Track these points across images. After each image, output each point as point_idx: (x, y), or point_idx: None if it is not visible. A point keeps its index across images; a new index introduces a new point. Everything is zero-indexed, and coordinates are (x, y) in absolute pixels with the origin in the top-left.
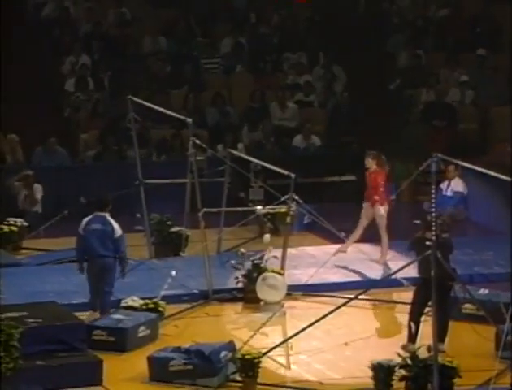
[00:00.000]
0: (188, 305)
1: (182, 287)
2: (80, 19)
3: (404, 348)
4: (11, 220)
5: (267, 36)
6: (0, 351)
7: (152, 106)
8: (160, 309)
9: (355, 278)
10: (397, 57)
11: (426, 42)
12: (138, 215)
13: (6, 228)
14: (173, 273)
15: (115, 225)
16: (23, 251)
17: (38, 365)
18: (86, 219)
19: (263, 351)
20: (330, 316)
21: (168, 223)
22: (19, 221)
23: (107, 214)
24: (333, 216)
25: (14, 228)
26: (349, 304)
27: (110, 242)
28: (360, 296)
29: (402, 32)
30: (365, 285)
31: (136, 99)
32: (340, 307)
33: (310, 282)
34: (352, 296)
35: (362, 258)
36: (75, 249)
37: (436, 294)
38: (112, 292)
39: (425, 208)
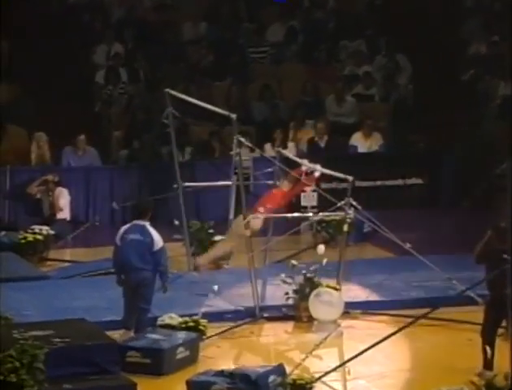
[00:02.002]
0: (233, 324)
1: (225, 303)
2: (112, 3)
3: (480, 375)
4: (36, 228)
5: (322, 21)
6: (23, 374)
7: (192, 100)
8: (201, 327)
9: (422, 294)
10: (470, 44)
11: (503, 28)
12: (176, 222)
13: (30, 237)
14: (215, 288)
15: (156, 236)
16: (50, 262)
17: (66, 389)
18: (124, 228)
19: (317, 376)
20: (393, 337)
21: (210, 231)
22: (45, 229)
23: (147, 223)
24: (397, 224)
25: (39, 237)
26: (414, 324)
27: (149, 254)
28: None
29: (477, 17)
30: (432, 303)
31: (174, 93)
32: (404, 328)
33: (370, 298)
34: (418, 314)
35: (429, 273)
36: (112, 260)
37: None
38: (149, 310)
39: (499, 215)
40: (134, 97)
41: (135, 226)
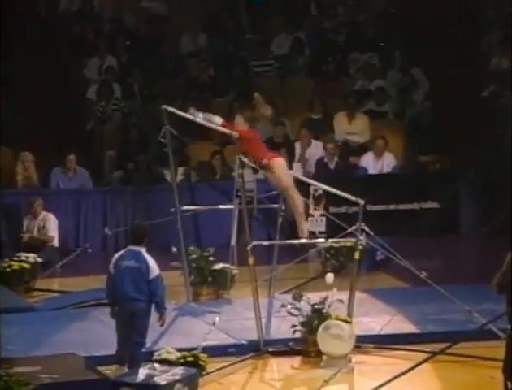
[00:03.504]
0: (235, 359)
1: (227, 336)
2: (104, 13)
3: None
4: (23, 256)
5: (331, 31)
6: None
7: (191, 117)
8: (201, 363)
9: (439, 328)
10: (491, 59)
11: None
12: (174, 249)
13: (16, 265)
14: (216, 319)
15: (152, 263)
16: (37, 293)
17: None
18: (118, 254)
19: None
20: (408, 374)
21: (210, 258)
22: (32, 257)
23: (143, 249)
24: (411, 252)
25: (26, 265)
26: (431, 359)
27: (145, 283)
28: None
29: (498, 30)
30: (451, 337)
31: (171, 109)
32: (420, 364)
33: (383, 332)
34: (435, 350)
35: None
36: (106, 290)
37: None
38: (144, 343)
39: None
40: (128, 114)
41: (129, 252)
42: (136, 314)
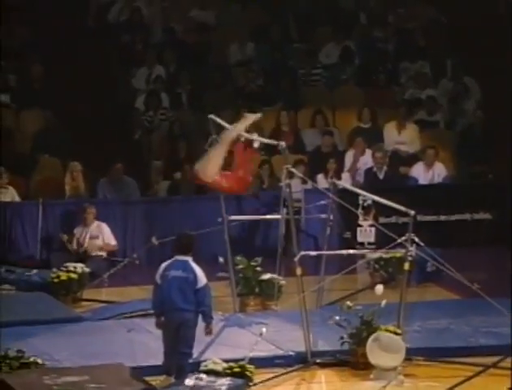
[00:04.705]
0: (282, 370)
1: (274, 347)
2: (154, 22)
3: None
4: (70, 266)
5: (381, 40)
6: None
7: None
8: (247, 373)
9: (491, 341)
10: None
11: None
12: (221, 260)
13: (64, 276)
14: (263, 330)
15: (199, 272)
16: (85, 303)
17: None
18: (164, 265)
19: None
20: (460, 388)
21: (257, 268)
22: (80, 267)
23: (190, 259)
24: (463, 263)
25: (73, 276)
26: (483, 373)
27: (192, 293)
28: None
29: None
30: (503, 350)
31: (219, 119)
32: (472, 377)
33: (434, 344)
34: (487, 363)
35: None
36: (152, 300)
37: None
38: (191, 354)
39: None
40: (176, 124)
41: (176, 262)
42: (183, 325)
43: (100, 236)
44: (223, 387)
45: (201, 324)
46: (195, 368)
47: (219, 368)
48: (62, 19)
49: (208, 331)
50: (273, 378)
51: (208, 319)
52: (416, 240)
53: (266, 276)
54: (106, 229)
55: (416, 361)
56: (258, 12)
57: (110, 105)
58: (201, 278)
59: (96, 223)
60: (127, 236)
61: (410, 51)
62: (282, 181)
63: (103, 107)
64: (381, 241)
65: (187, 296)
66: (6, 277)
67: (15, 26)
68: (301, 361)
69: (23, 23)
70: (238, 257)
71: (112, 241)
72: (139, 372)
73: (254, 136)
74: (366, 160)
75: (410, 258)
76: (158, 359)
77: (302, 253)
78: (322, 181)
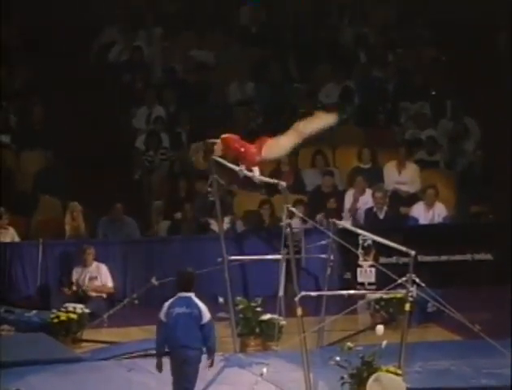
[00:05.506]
0: None
1: (275, 388)
2: (154, 61)
3: None
4: (70, 306)
5: (381, 80)
6: None
7: (237, 167)
8: None
9: (493, 382)
10: None
11: None
12: (221, 300)
13: (63, 316)
14: (264, 371)
15: (203, 307)
16: (84, 343)
17: None
18: (168, 302)
19: None
20: None
21: (257, 309)
22: (80, 307)
23: (192, 294)
24: (464, 304)
25: (73, 316)
26: None
27: (198, 328)
28: None
29: None
30: None
31: (219, 159)
32: None
33: (435, 385)
34: None
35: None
36: (156, 338)
37: None
38: None
39: None
40: (176, 164)
41: (180, 299)
42: (187, 361)
43: (98, 277)
44: None
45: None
46: None
47: None
48: (62, 59)
49: (210, 364)
50: None
51: (212, 355)
52: (417, 280)
53: (267, 317)
54: (104, 270)
55: None
56: (257, 51)
57: (111, 145)
58: (206, 313)
59: (95, 263)
60: (126, 276)
61: (410, 91)
62: (282, 221)
63: (103, 147)
64: (382, 282)
65: (192, 332)
66: (5, 318)
67: (16, 66)
68: None
69: (24, 64)
70: (238, 298)
71: (109, 283)
72: None
73: (256, 174)
74: (367, 200)
75: (410, 299)
76: None
77: (303, 293)
78: (322, 221)
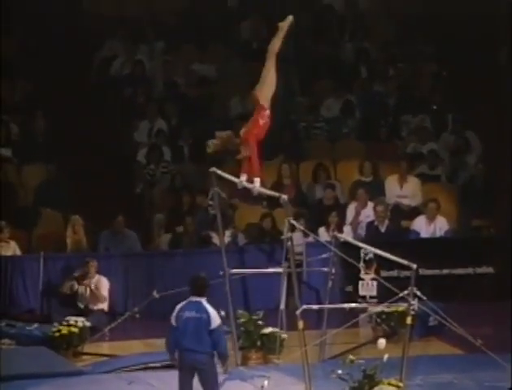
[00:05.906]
0: None
1: None
2: (155, 75)
3: None
4: (71, 320)
5: (382, 94)
6: None
7: (237, 179)
8: None
9: None
10: None
11: None
12: (222, 313)
13: (64, 330)
14: (265, 384)
15: (212, 312)
16: (86, 357)
17: None
18: (179, 306)
19: None
20: None
21: (259, 322)
22: (81, 321)
23: (204, 299)
24: (466, 318)
25: (74, 330)
26: None
27: (207, 333)
28: None
29: None
30: None
31: (220, 172)
32: None
33: None
34: None
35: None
36: (166, 342)
37: None
38: None
39: None
40: (178, 177)
41: (190, 303)
42: (202, 370)
43: (98, 287)
44: None
45: None
46: None
47: None
48: (64, 72)
49: (224, 370)
50: None
51: (224, 359)
52: (418, 294)
53: (268, 330)
54: (104, 283)
55: None
56: (258, 65)
57: (112, 158)
58: (215, 318)
59: (97, 276)
60: (128, 290)
61: (411, 105)
62: (284, 234)
63: (105, 160)
64: (383, 295)
65: (201, 336)
66: (6, 331)
67: (17, 79)
68: None
69: (25, 77)
70: (240, 311)
71: (103, 292)
72: None
73: (256, 186)
74: (368, 213)
75: (412, 312)
76: None
77: (304, 306)
78: (323, 234)
